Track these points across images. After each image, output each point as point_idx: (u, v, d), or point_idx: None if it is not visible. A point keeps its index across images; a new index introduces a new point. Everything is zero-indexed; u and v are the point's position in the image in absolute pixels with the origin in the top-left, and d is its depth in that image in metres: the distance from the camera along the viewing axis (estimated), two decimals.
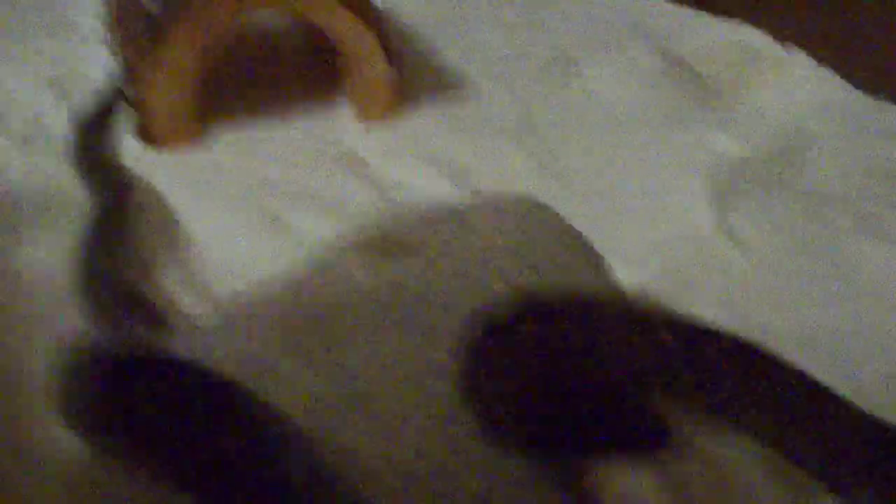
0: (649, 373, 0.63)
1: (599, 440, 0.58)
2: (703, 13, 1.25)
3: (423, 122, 1.06)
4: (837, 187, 0.98)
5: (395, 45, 1.06)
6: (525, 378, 0.60)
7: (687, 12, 1.26)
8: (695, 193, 0.96)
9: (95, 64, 1.12)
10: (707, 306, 0.79)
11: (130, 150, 0.99)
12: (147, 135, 1.00)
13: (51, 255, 0.85)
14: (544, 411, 0.58)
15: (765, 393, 0.62)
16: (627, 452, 0.57)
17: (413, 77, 1.11)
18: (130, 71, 1.01)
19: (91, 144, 0.97)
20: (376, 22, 1.03)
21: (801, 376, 0.63)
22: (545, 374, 0.61)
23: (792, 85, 1.12)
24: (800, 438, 0.61)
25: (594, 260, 0.77)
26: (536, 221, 0.77)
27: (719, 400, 0.63)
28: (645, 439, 0.58)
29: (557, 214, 0.79)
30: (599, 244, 0.81)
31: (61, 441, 0.62)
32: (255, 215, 0.92)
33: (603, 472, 0.57)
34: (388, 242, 0.73)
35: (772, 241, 0.91)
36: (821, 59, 1.15)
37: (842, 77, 1.13)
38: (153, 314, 0.76)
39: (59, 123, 1.04)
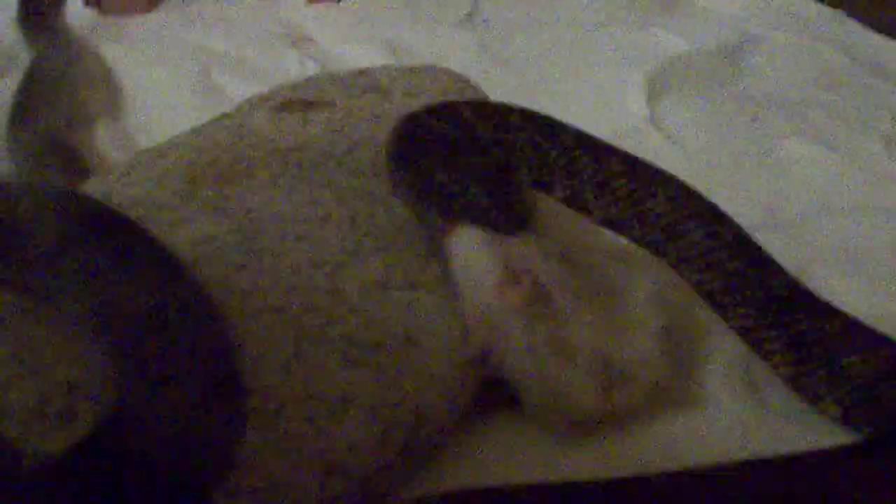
0: (545, 167, 0.67)
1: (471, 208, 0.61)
2: None
3: (375, 5, 1.07)
4: (778, 90, 0.99)
5: None
6: (437, 155, 0.64)
7: None
8: (632, 87, 0.96)
9: None
10: None
11: (79, 15, 1.01)
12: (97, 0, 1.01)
13: None
14: (449, 185, 0.62)
15: (650, 201, 0.65)
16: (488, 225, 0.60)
17: None
18: None
19: (38, 5, 0.99)
20: None
21: (698, 198, 0.64)
22: (454, 153, 0.64)
23: None
24: (677, 248, 0.63)
25: None
26: (455, 93, 0.78)
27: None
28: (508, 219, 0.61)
29: (478, 89, 0.79)
30: None
31: None
32: (196, 83, 0.94)
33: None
34: (298, 101, 0.74)
35: (703, 136, 0.92)
36: None
37: None
38: (75, 161, 0.78)
39: None
